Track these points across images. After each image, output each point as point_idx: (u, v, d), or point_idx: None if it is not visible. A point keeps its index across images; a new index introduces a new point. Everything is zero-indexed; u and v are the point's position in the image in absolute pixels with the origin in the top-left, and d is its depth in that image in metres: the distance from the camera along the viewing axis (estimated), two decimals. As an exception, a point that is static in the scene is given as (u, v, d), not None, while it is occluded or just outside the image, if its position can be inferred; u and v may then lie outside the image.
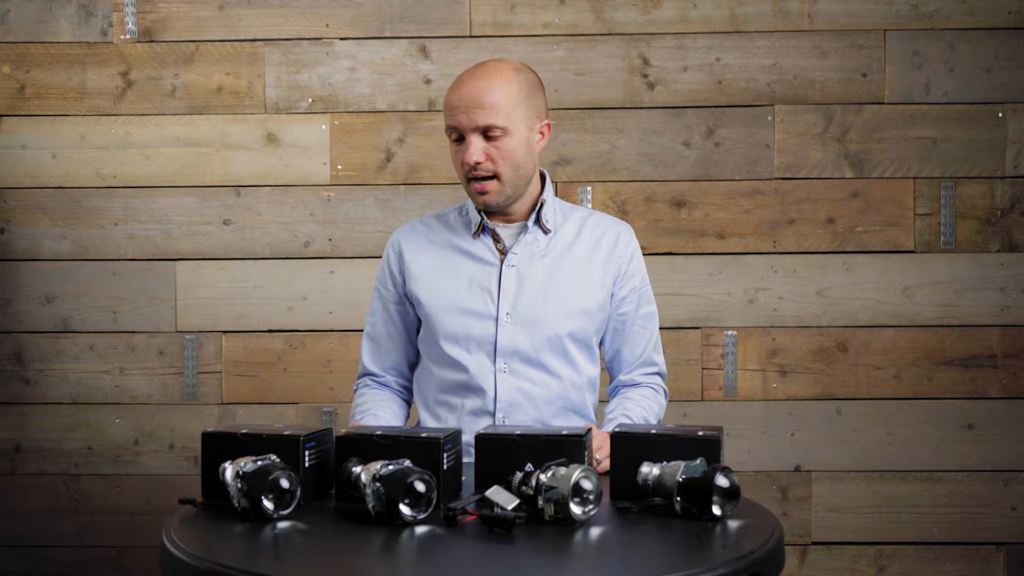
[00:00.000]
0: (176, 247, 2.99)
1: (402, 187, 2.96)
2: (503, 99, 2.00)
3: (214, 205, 2.98)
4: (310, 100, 2.97)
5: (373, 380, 2.22)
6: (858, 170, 2.94)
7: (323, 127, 2.96)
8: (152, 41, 2.97)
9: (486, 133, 2.00)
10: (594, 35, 2.94)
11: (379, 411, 2.13)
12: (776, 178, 2.94)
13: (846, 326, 2.95)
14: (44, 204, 2.99)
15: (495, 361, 2.06)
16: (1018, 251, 2.94)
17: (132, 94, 2.98)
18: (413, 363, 2.22)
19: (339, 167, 2.96)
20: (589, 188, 2.94)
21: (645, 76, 2.94)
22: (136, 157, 2.98)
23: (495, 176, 2.02)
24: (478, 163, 2.00)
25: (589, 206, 2.93)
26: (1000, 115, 2.93)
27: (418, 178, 2.96)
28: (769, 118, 2.94)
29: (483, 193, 2.03)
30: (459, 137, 2.02)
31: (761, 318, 2.95)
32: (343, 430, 1.70)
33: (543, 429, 1.75)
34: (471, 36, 2.95)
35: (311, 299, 2.97)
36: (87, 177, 2.99)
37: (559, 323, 2.07)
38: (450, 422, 2.09)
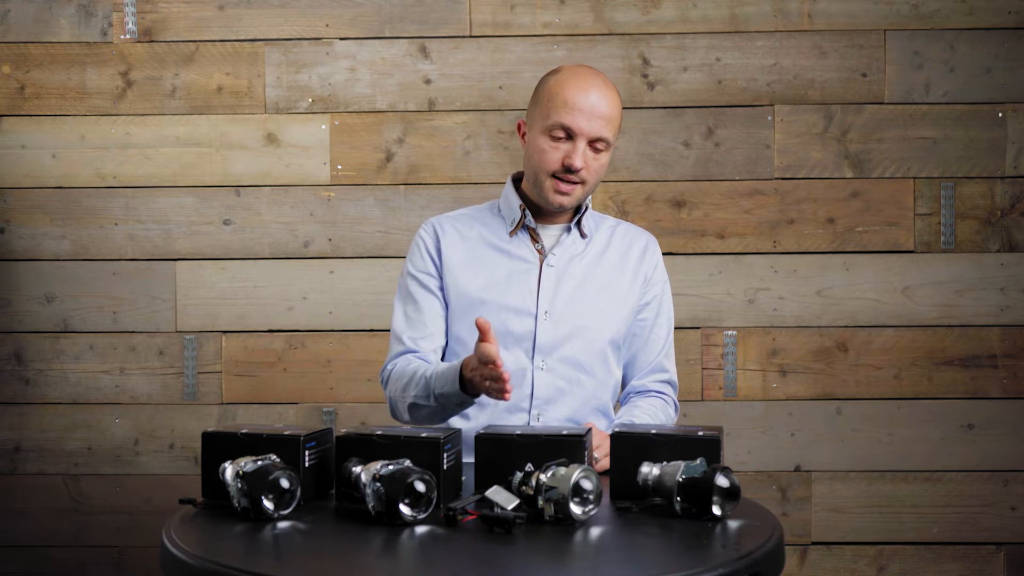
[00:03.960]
0: (176, 247, 2.98)
1: (402, 187, 2.96)
2: (617, 116, 2.05)
3: (214, 205, 2.98)
4: (310, 100, 2.96)
5: (415, 356, 2.09)
6: (858, 170, 2.94)
7: (323, 127, 2.96)
8: (152, 41, 2.97)
9: (594, 143, 2.02)
10: (594, 35, 2.94)
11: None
12: (776, 178, 2.94)
13: (846, 326, 2.95)
14: (44, 204, 2.99)
15: (533, 358, 2.06)
16: (1018, 251, 2.93)
17: (132, 94, 2.97)
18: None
19: (339, 167, 2.96)
20: (589, 188, 2.94)
21: (645, 76, 2.94)
22: (136, 157, 2.98)
23: (581, 183, 2.04)
24: (579, 169, 2.01)
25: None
26: (1000, 115, 2.93)
27: (418, 178, 2.96)
28: (769, 118, 2.93)
29: (565, 194, 2.04)
30: (565, 136, 2.02)
31: (761, 318, 2.95)
32: (343, 430, 1.71)
33: (543, 429, 1.75)
34: (471, 36, 2.95)
35: (311, 299, 2.97)
36: (87, 177, 2.99)
37: (599, 325, 2.09)
38: (481, 419, 2.07)
